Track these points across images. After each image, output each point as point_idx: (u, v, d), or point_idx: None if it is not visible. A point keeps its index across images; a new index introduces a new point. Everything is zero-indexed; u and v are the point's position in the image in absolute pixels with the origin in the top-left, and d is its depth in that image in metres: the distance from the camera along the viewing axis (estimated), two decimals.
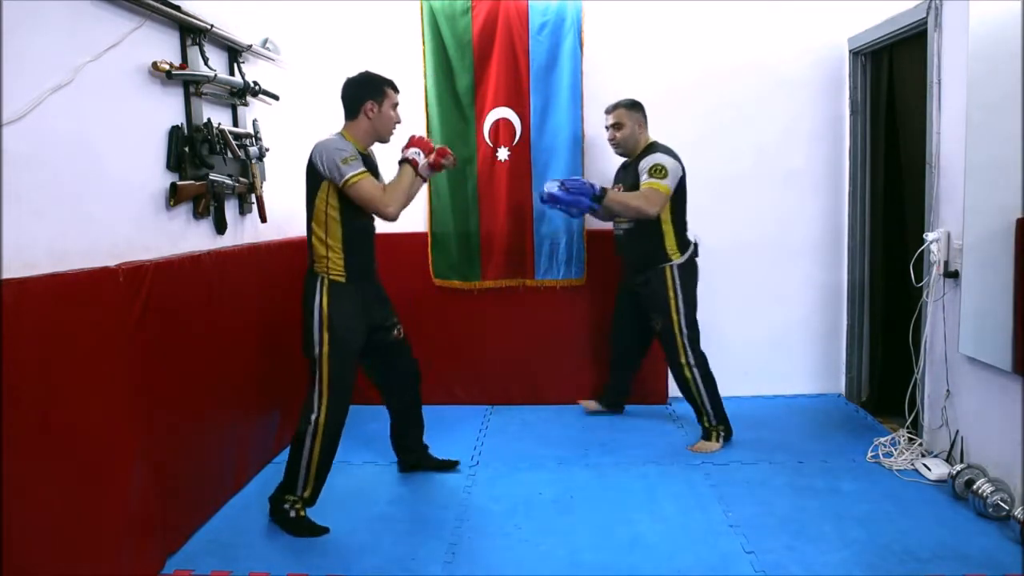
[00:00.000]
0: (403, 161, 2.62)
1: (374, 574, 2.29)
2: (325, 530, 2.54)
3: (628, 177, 3.28)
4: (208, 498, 2.67)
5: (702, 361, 3.26)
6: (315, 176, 2.52)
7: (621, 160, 3.45)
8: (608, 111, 3.31)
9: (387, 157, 2.89)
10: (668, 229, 3.20)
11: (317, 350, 2.51)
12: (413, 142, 2.66)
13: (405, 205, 2.57)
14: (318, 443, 2.52)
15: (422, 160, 2.61)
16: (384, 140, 2.70)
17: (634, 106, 3.28)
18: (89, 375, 2.01)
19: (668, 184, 3.08)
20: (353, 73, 2.70)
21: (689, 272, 3.26)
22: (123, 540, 2.13)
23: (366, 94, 2.58)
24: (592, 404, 3.77)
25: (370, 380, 2.98)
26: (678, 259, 3.22)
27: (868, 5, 3.50)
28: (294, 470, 2.55)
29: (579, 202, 3.09)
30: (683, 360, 3.23)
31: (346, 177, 2.44)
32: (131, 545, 2.16)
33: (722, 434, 3.28)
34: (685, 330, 3.22)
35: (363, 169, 2.48)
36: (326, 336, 2.51)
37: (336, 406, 2.54)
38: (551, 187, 3.12)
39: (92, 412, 2.02)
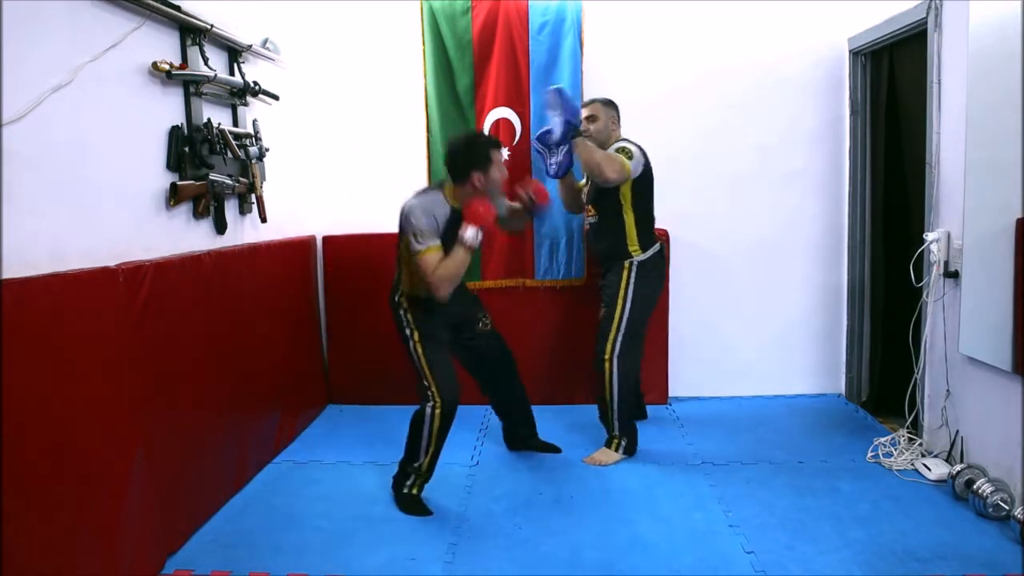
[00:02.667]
0: (460, 242, 2.63)
1: (374, 574, 2.29)
2: (429, 512, 2.68)
3: (583, 168, 3.27)
4: (208, 498, 2.67)
5: (625, 366, 3.14)
6: (402, 230, 2.68)
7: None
8: (584, 104, 3.31)
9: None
10: (630, 224, 3.15)
11: (410, 344, 2.75)
12: (477, 216, 2.62)
13: (455, 285, 2.67)
14: (438, 424, 2.69)
15: (479, 240, 2.67)
16: (492, 200, 2.76)
17: (609, 104, 3.29)
18: (89, 375, 2.01)
19: (630, 165, 3.06)
20: (457, 141, 2.75)
21: (648, 271, 3.18)
22: (123, 540, 2.13)
23: (473, 164, 2.65)
24: None
25: (473, 377, 3.15)
26: (639, 256, 3.15)
27: (868, 5, 3.50)
28: (415, 445, 2.72)
29: (573, 110, 3.08)
30: (607, 355, 3.13)
31: (415, 251, 2.61)
32: (131, 545, 2.16)
33: (623, 445, 3.16)
34: (623, 327, 3.13)
35: (434, 244, 2.61)
36: (415, 333, 2.75)
37: (445, 385, 2.72)
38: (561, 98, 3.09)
39: (92, 412, 2.02)
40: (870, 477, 2.91)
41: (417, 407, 2.74)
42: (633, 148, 3.11)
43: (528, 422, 3.28)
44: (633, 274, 3.14)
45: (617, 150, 3.09)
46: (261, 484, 2.97)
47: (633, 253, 3.16)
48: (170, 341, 2.40)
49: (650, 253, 3.18)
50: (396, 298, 2.83)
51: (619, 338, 3.14)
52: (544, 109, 3.71)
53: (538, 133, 3.26)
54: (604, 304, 3.23)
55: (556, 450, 3.26)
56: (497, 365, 3.12)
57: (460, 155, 2.67)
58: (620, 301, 3.14)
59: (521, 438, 3.28)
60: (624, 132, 3.45)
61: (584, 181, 3.41)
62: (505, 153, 3.72)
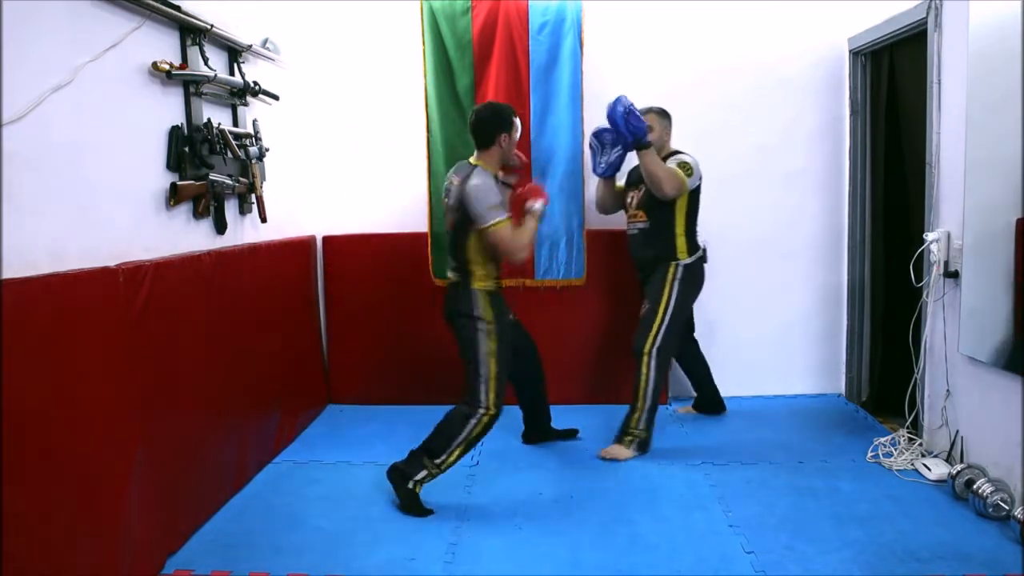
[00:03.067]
0: (528, 213, 2.80)
1: (374, 574, 2.29)
2: (429, 512, 2.68)
3: (644, 178, 3.29)
4: (208, 498, 2.67)
5: (664, 363, 3.22)
6: (467, 216, 2.73)
7: (626, 161, 3.46)
8: (642, 112, 3.31)
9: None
10: (680, 231, 3.27)
11: (483, 350, 2.75)
12: (537, 192, 2.83)
13: (527, 254, 2.80)
14: (478, 431, 2.72)
15: (542, 209, 2.83)
16: (508, 162, 2.90)
17: (664, 114, 3.37)
18: (89, 375, 2.01)
19: (689, 182, 3.19)
20: (483, 110, 2.86)
21: (692, 274, 3.30)
22: (123, 540, 2.13)
23: (501, 127, 2.80)
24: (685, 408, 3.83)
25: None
26: (685, 259, 3.27)
27: (868, 5, 3.51)
28: (445, 442, 2.71)
29: (638, 129, 3.09)
30: (648, 347, 3.19)
31: (488, 223, 2.68)
32: (131, 545, 2.16)
33: (636, 443, 3.19)
34: (666, 323, 3.21)
35: (505, 216, 2.70)
36: (494, 341, 2.76)
37: (501, 395, 2.76)
38: (624, 104, 3.09)
39: (92, 412, 2.02)
40: (870, 477, 2.91)
41: (456, 406, 2.75)
42: (692, 163, 3.22)
43: (547, 412, 3.37)
44: (679, 274, 3.25)
45: (679, 164, 3.19)
46: (261, 484, 2.97)
47: (681, 257, 3.27)
48: (170, 341, 2.40)
49: (694, 258, 3.30)
50: (469, 295, 2.78)
51: (660, 333, 3.21)
52: (544, 111, 3.72)
53: (597, 129, 3.32)
54: (648, 300, 3.30)
55: (574, 434, 3.39)
56: (529, 355, 3.20)
57: (487, 121, 2.81)
58: (664, 298, 3.23)
59: (543, 430, 3.36)
60: None
61: (624, 183, 3.50)
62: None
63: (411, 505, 2.69)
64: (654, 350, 3.19)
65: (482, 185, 2.70)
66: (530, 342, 3.22)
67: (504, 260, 2.82)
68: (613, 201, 3.51)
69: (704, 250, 3.37)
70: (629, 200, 3.43)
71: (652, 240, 3.31)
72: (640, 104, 3.51)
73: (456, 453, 2.72)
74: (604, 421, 3.64)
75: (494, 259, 2.82)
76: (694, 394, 3.85)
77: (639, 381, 3.20)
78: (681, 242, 3.27)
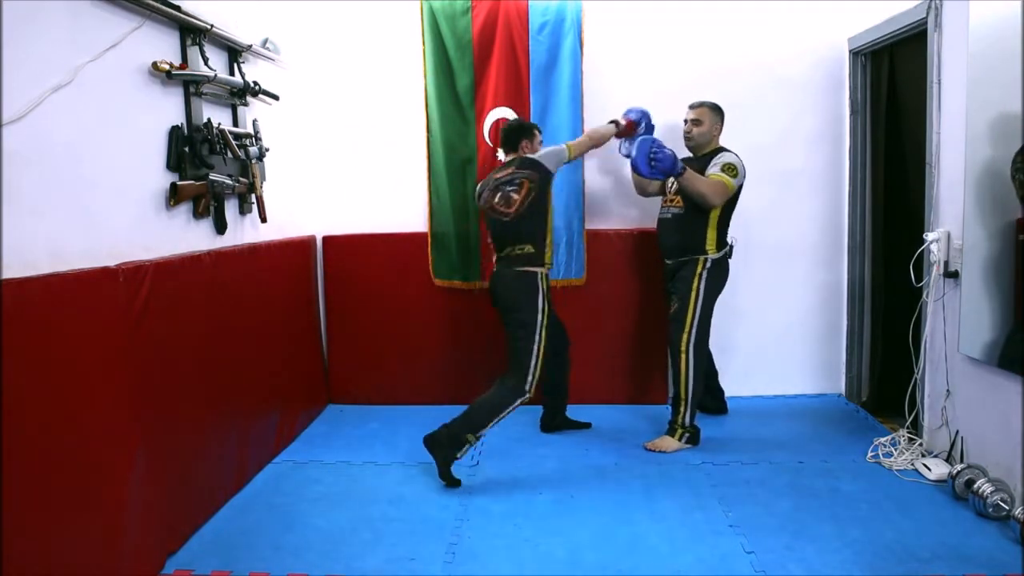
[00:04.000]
0: (612, 121, 3.41)
1: (374, 574, 2.29)
2: (458, 482, 2.89)
3: (692, 167, 3.28)
4: (208, 498, 2.67)
5: (701, 355, 3.27)
6: (545, 183, 3.10)
7: (628, 160, 3.48)
8: (693, 106, 3.38)
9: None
10: (714, 224, 3.26)
11: (539, 328, 3.02)
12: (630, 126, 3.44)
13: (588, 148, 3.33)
14: (517, 403, 2.97)
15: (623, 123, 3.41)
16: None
17: (716, 109, 3.37)
18: (89, 375, 2.01)
19: (735, 184, 3.20)
20: (511, 120, 3.49)
21: (719, 269, 3.31)
22: (123, 540, 2.13)
23: (521, 136, 3.19)
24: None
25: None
26: (713, 254, 3.27)
27: (868, 5, 3.50)
28: (488, 418, 2.92)
29: (666, 167, 3.11)
30: (683, 346, 3.24)
31: (564, 148, 3.18)
32: (131, 545, 2.16)
33: (687, 436, 3.26)
34: (697, 318, 3.25)
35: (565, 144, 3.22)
36: (545, 319, 3.04)
37: (541, 371, 3.05)
38: (644, 149, 3.14)
39: (92, 412, 2.02)
40: (870, 477, 2.91)
41: (502, 388, 2.97)
42: (737, 164, 3.23)
43: (566, 399, 3.54)
44: (707, 270, 3.26)
45: (724, 167, 3.20)
46: (261, 484, 2.97)
47: (709, 251, 3.27)
48: (170, 341, 2.40)
49: (722, 253, 3.30)
50: (536, 279, 3.06)
51: (694, 329, 3.25)
52: (544, 111, 3.72)
53: (633, 156, 3.21)
54: (676, 298, 3.32)
55: (587, 425, 3.54)
56: (562, 338, 3.39)
57: (513, 131, 3.22)
58: (694, 294, 3.26)
59: (560, 417, 3.51)
60: None
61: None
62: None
63: (451, 479, 2.89)
64: (690, 346, 3.24)
65: (537, 155, 3.11)
66: (561, 325, 3.39)
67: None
68: (653, 185, 3.54)
69: (731, 246, 3.36)
70: (671, 184, 3.41)
71: (683, 228, 3.31)
72: (641, 103, 3.53)
73: (491, 424, 2.95)
74: (605, 421, 3.65)
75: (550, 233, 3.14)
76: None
77: (680, 377, 3.26)
78: (711, 234, 3.26)
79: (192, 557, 2.39)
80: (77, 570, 1.94)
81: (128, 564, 2.14)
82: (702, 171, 3.22)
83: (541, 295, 3.04)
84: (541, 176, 3.07)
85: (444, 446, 2.88)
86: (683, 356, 3.25)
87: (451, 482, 2.88)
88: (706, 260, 3.26)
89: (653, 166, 3.10)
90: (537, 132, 3.24)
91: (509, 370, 3.02)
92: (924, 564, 2.26)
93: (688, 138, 3.38)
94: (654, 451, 3.23)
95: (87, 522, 1.98)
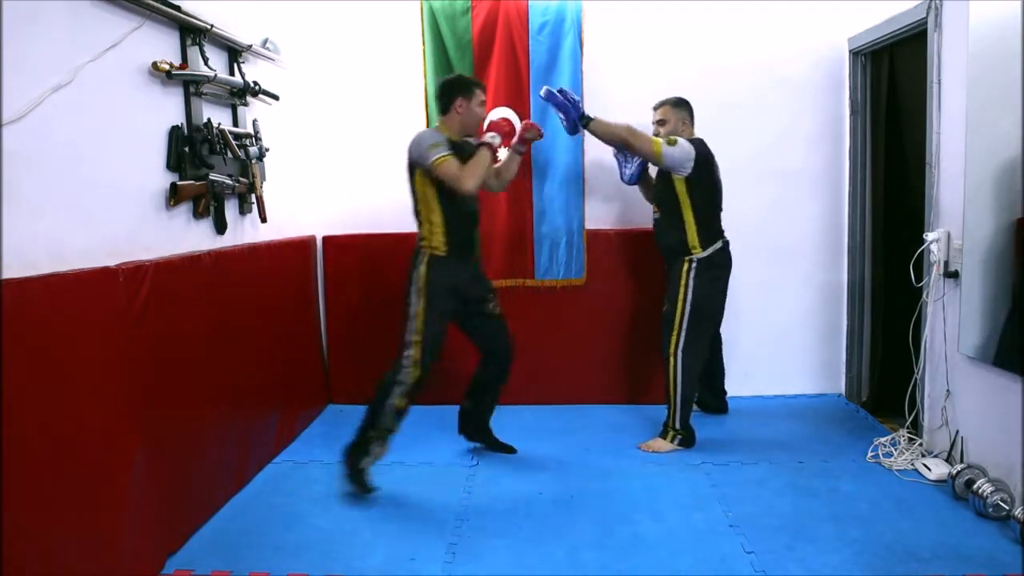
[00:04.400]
0: (480, 144, 2.93)
1: (374, 574, 2.29)
2: (372, 490, 2.78)
3: (660, 171, 3.31)
4: (208, 498, 2.67)
5: (691, 360, 3.23)
6: (411, 165, 2.85)
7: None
8: (655, 107, 3.38)
9: None
10: (690, 220, 3.23)
11: (412, 310, 2.83)
12: (492, 126, 3.04)
13: (480, 180, 2.86)
14: (404, 395, 2.81)
15: (497, 142, 2.97)
16: (471, 133, 2.99)
17: (680, 104, 3.34)
18: (89, 375, 2.01)
19: (667, 151, 3.14)
20: (444, 78, 3.09)
21: (709, 268, 3.24)
22: (123, 540, 2.13)
23: (456, 92, 2.91)
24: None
25: (475, 346, 3.17)
26: (698, 253, 3.23)
27: (868, 5, 3.50)
28: (377, 412, 2.81)
29: (567, 110, 3.22)
30: (672, 349, 3.22)
31: (431, 160, 2.75)
32: (131, 545, 2.16)
33: (679, 438, 3.25)
34: (686, 323, 3.21)
35: (447, 152, 2.77)
36: (422, 300, 2.83)
37: (426, 361, 2.83)
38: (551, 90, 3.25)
39: (92, 412, 2.02)
40: (870, 477, 2.91)
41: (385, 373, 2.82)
42: (682, 140, 3.18)
43: (486, 409, 3.23)
44: (692, 271, 3.22)
45: (668, 137, 3.18)
46: (261, 484, 2.97)
47: (693, 251, 3.23)
48: (170, 341, 2.40)
49: (711, 251, 3.24)
50: (417, 253, 2.89)
51: (682, 334, 3.22)
52: (545, 111, 3.72)
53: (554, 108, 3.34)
54: (666, 300, 3.30)
55: (511, 450, 3.23)
56: (501, 354, 3.13)
57: (447, 85, 2.96)
58: (680, 298, 3.23)
59: (481, 428, 3.22)
60: None
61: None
62: (505, 153, 3.72)
63: (361, 483, 2.79)
64: (679, 351, 3.21)
65: (421, 134, 2.83)
66: (506, 339, 3.12)
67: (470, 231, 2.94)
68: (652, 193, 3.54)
69: (725, 241, 3.31)
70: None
71: (665, 231, 3.33)
72: (641, 102, 3.53)
73: (396, 423, 2.82)
74: (604, 421, 3.66)
75: (451, 225, 2.86)
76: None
77: (667, 382, 3.25)
78: (693, 234, 3.22)
79: (192, 557, 2.39)
80: (77, 570, 1.93)
81: (128, 564, 2.14)
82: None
83: (419, 280, 2.84)
84: (409, 161, 2.86)
85: (352, 450, 2.82)
86: (671, 360, 3.23)
87: (363, 488, 2.79)
88: (691, 260, 3.23)
89: (559, 105, 3.18)
90: (478, 92, 2.94)
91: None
92: (924, 564, 2.26)
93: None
94: (647, 451, 3.23)
95: (87, 522, 1.98)
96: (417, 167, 2.82)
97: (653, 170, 3.42)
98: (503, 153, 3.15)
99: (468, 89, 2.91)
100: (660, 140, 3.17)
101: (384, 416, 2.81)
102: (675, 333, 3.23)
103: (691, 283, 3.22)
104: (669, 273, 3.34)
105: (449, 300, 2.89)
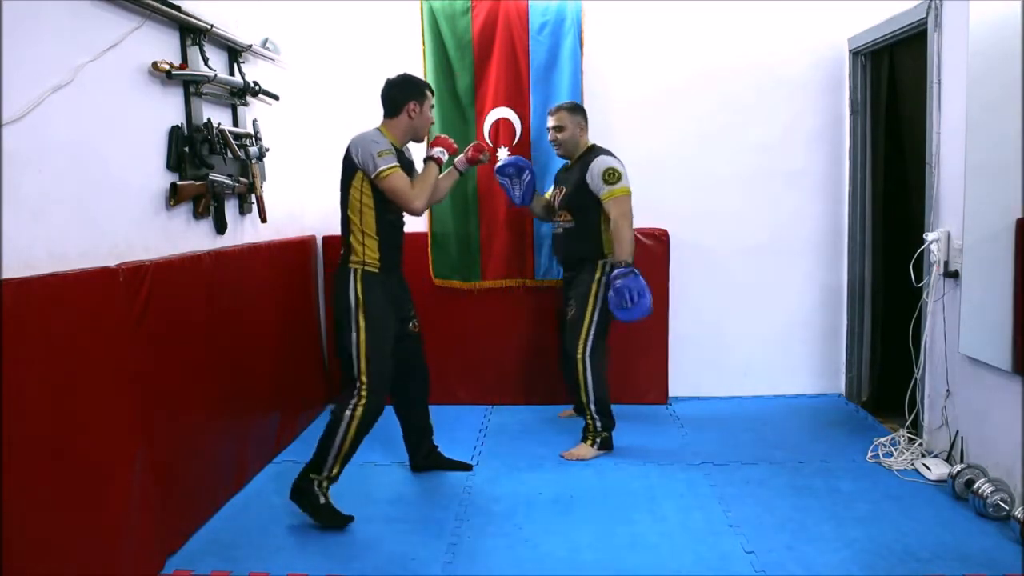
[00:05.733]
0: (428, 159, 2.74)
1: (374, 574, 2.29)
2: (349, 519, 2.57)
3: (570, 178, 3.28)
4: (208, 498, 2.67)
5: (599, 362, 3.18)
6: (351, 166, 2.64)
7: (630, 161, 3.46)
8: (551, 112, 3.33)
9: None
10: (606, 228, 3.18)
11: (355, 338, 2.59)
12: (438, 141, 2.80)
13: (431, 200, 2.73)
14: (352, 430, 2.57)
15: (445, 158, 2.76)
16: (419, 139, 2.83)
17: (575, 109, 3.31)
18: (89, 375, 2.01)
19: (626, 184, 3.13)
20: (392, 75, 2.81)
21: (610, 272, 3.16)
22: (123, 540, 2.13)
23: (409, 95, 2.71)
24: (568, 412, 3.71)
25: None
26: (609, 259, 3.19)
27: (868, 5, 3.50)
28: (324, 452, 2.58)
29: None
30: (579, 353, 3.16)
31: (379, 170, 2.56)
32: (131, 545, 2.16)
33: (599, 441, 3.19)
34: (594, 326, 3.17)
35: (396, 164, 2.59)
36: (363, 324, 2.59)
37: (376, 394, 2.60)
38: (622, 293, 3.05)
39: (92, 412, 2.02)
40: (870, 477, 2.91)
41: (335, 406, 2.60)
42: (616, 164, 3.14)
43: (430, 435, 3.08)
44: (605, 275, 3.16)
45: (604, 177, 3.10)
46: (261, 484, 2.97)
47: (607, 254, 3.20)
48: (170, 341, 2.40)
49: (613, 257, 3.18)
50: (347, 270, 2.64)
51: (590, 337, 3.17)
52: (544, 111, 3.72)
53: (497, 167, 3.36)
54: (574, 303, 3.23)
55: (467, 468, 3.05)
56: (419, 375, 2.96)
57: (396, 87, 2.72)
58: (591, 300, 3.18)
59: (427, 454, 3.05)
60: (624, 132, 3.45)
61: (552, 190, 3.47)
62: (504, 153, 3.72)
63: (331, 519, 2.56)
64: (587, 354, 3.16)
65: (364, 137, 2.60)
66: (421, 361, 2.97)
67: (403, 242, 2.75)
68: (544, 211, 3.49)
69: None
70: (552, 199, 3.41)
71: (578, 239, 3.25)
72: (641, 102, 3.53)
73: (341, 458, 2.57)
74: None
75: (385, 237, 2.65)
76: (695, 394, 3.85)
77: (581, 385, 3.17)
78: (606, 240, 3.19)
79: (192, 557, 2.39)
80: (77, 570, 1.93)
81: (128, 564, 2.14)
82: (581, 177, 3.17)
83: (354, 301, 2.60)
84: (349, 163, 2.65)
85: (300, 487, 2.59)
86: (580, 364, 3.16)
87: (340, 521, 2.55)
88: (604, 264, 3.19)
89: (628, 308, 3.02)
90: (429, 95, 2.75)
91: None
92: (924, 564, 2.26)
93: (556, 145, 3.32)
94: (570, 459, 3.14)
95: (87, 522, 1.98)
96: (358, 172, 2.61)
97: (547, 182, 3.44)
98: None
99: (421, 92, 2.72)
100: (617, 187, 3.08)
101: (329, 458, 2.56)
102: (583, 337, 3.16)
103: (601, 288, 3.16)
104: (575, 279, 3.27)
105: (390, 317, 2.68)
